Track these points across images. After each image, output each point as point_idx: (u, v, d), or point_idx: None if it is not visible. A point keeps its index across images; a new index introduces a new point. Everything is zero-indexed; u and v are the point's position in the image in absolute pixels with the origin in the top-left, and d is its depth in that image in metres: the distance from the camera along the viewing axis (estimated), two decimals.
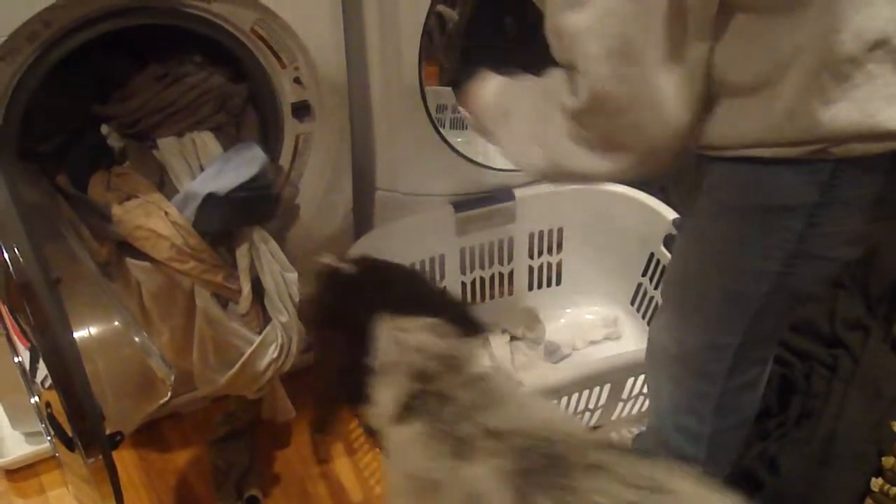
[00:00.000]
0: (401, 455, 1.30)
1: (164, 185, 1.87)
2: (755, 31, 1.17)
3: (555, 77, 1.32)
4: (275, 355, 1.87)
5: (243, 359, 1.84)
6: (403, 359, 1.29)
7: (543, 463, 1.16)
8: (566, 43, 1.21)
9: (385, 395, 1.30)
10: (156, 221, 1.74)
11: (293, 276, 1.91)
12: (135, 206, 1.76)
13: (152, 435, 2.27)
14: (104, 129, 1.90)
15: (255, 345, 1.84)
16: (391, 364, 1.30)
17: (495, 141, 1.55)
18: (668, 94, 1.18)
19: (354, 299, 1.41)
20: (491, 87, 1.57)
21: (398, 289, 1.44)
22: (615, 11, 1.13)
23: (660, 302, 2.36)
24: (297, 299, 1.90)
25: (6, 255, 1.24)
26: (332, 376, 1.43)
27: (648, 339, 1.68)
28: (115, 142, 1.90)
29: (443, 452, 1.22)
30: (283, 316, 1.89)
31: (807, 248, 1.31)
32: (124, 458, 2.20)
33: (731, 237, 1.37)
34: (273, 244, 1.91)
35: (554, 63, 1.29)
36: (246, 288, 1.84)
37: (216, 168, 1.83)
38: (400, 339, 1.30)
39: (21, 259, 1.23)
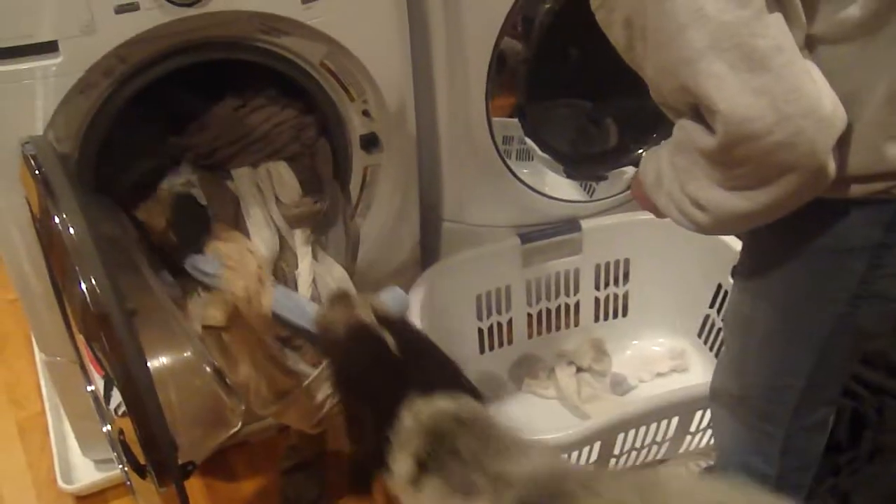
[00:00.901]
0: None
1: (238, 217, 1.88)
2: (832, 64, 1.13)
3: (683, 127, 1.21)
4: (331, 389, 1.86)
5: (293, 394, 1.83)
6: (419, 425, 1.31)
7: (549, 494, 1.18)
8: (684, 79, 1.11)
9: (402, 459, 1.31)
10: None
11: None
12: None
13: (220, 463, 2.28)
14: (183, 168, 1.91)
15: (309, 379, 1.84)
16: (409, 431, 1.31)
17: (663, 212, 1.36)
18: (815, 92, 1.09)
19: (389, 376, 1.41)
20: (644, 160, 1.43)
21: (430, 375, 1.41)
22: (726, 23, 1.05)
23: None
24: None
25: (84, 287, 1.26)
26: (358, 442, 1.45)
27: (712, 380, 1.66)
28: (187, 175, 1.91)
29: (455, 500, 1.24)
30: None
31: (870, 289, 1.29)
32: (192, 487, 2.19)
33: (794, 279, 1.35)
34: (339, 270, 1.92)
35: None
36: None
37: None
38: (418, 412, 1.32)
39: (98, 291, 1.25)
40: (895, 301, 1.32)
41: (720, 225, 1.24)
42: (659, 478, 1.17)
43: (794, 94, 1.06)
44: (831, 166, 1.13)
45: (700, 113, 1.15)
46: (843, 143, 1.15)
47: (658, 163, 1.33)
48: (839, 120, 1.11)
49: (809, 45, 1.13)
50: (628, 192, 2.47)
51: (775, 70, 1.06)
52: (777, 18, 1.07)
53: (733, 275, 2.24)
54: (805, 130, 1.07)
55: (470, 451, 1.26)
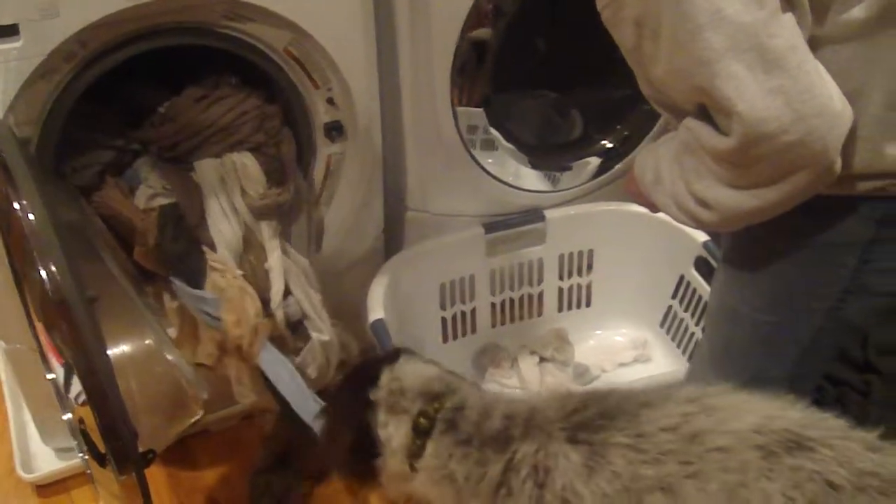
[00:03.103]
0: (434, 484, 1.29)
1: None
2: (835, 64, 1.14)
3: (692, 128, 1.21)
4: (313, 376, 1.85)
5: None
6: (412, 387, 1.31)
7: (593, 417, 1.22)
8: (700, 80, 1.11)
9: (395, 425, 1.31)
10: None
11: (318, 296, 1.93)
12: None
13: (182, 452, 2.27)
14: (138, 163, 1.89)
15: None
16: (395, 394, 1.31)
17: (661, 209, 1.38)
18: (826, 90, 1.10)
19: (360, 373, 1.43)
20: (640, 158, 1.43)
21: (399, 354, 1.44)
22: (745, 24, 1.06)
23: (689, 325, 2.35)
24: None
25: (43, 273, 1.24)
26: (343, 444, 1.45)
27: (688, 371, 1.67)
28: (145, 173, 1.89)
29: (481, 459, 1.23)
30: (325, 335, 1.89)
31: (859, 283, 1.31)
32: (153, 476, 2.20)
33: (784, 273, 1.36)
34: (304, 262, 1.92)
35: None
36: (279, 313, 1.85)
37: None
38: (397, 376, 1.32)
39: (57, 277, 1.24)
40: (880, 296, 1.33)
41: (725, 222, 1.26)
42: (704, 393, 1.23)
43: (808, 94, 1.08)
44: (838, 164, 1.14)
45: (707, 113, 1.16)
46: (845, 141, 1.15)
47: (657, 161, 1.34)
48: (847, 118, 1.12)
49: (813, 45, 1.13)
50: (592, 182, 2.48)
51: (790, 70, 1.07)
52: (790, 19, 1.09)
53: (697, 268, 2.27)
54: (817, 129, 1.09)
55: (484, 405, 1.26)
